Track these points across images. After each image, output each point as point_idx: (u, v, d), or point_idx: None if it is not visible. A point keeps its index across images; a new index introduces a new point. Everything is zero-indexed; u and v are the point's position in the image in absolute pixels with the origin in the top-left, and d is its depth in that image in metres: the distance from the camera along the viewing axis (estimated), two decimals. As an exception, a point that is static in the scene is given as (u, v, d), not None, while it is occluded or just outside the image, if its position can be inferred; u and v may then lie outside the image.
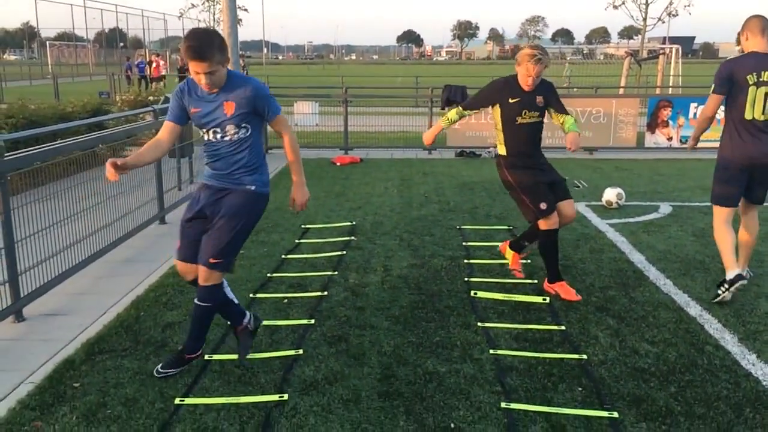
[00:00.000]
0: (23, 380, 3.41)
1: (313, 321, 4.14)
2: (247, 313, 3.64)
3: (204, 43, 3.02)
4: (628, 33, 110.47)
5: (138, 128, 6.58)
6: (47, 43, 49.38)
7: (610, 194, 7.20)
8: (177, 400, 3.19)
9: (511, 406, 3.15)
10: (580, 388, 3.34)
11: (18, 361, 3.64)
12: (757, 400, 3.24)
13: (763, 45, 4.37)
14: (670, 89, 17.52)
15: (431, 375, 3.47)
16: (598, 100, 11.52)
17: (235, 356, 3.64)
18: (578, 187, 8.39)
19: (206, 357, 3.64)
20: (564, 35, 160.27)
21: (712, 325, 4.13)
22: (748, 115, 4.41)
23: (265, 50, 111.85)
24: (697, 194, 7.93)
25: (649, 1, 23.38)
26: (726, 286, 4.46)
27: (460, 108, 4.71)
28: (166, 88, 22.49)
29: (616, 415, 3.08)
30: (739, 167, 4.49)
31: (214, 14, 29.88)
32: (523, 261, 5.30)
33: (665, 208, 7.22)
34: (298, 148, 3.44)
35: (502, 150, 4.63)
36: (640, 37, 25.18)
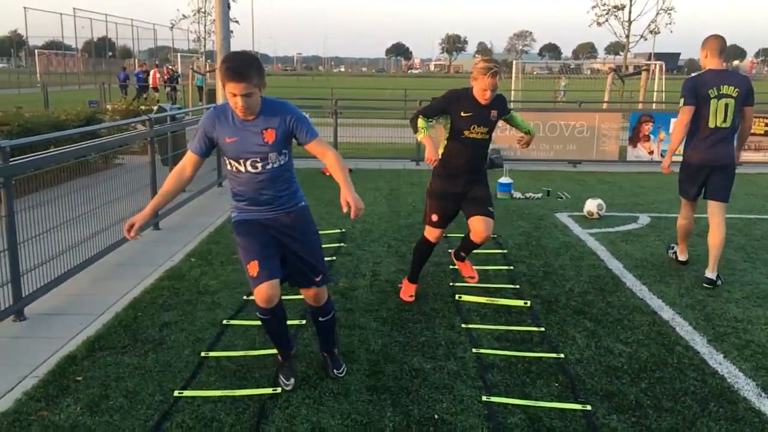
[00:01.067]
0: (27, 374, 3.57)
1: (304, 321, 4.32)
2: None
3: (243, 64, 2.96)
4: (614, 48, 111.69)
5: (133, 137, 6.76)
6: (36, 51, 49.30)
7: (591, 205, 7.45)
8: (176, 393, 3.36)
9: (491, 400, 3.36)
10: (556, 384, 3.55)
11: (21, 357, 3.80)
12: (721, 396, 3.46)
13: (719, 63, 5.12)
14: (654, 104, 17.92)
15: (417, 371, 3.67)
16: (581, 114, 11.83)
17: (231, 353, 3.82)
18: (561, 198, 8.65)
19: (202, 354, 3.81)
20: (551, 50, 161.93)
21: (683, 328, 4.36)
22: (711, 124, 5.07)
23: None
24: (675, 206, 8.15)
25: (632, 19, 23.89)
26: (675, 259, 5.67)
27: (422, 116, 4.45)
28: (160, 98, 22.62)
29: (589, 407, 3.30)
30: (698, 168, 5.20)
31: (205, 25, 30.05)
32: (505, 267, 5.53)
33: (644, 219, 7.48)
34: (344, 163, 3.29)
35: (439, 154, 4.50)
36: (625, 53, 25.58)
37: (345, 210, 3.19)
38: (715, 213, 5.23)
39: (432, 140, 4.32)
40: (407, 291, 4.84)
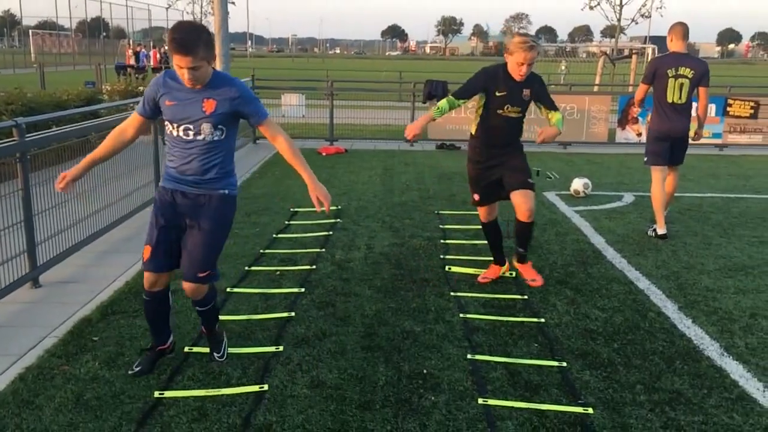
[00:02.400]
0: (47, 335, 3.86)
1: (303, 289, 4.61)
2: (171, 336, 3.59)
3: (190, 37, 2.88)
4: (610, 32, 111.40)
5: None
6: (30, 31, 49.08)
7: (578, 184, 7.75)
8: (186, 349, 3.65)
9: (476, 357, 3.66)
10: (536, 344, 3.86)
11: (40, 319, 4.08)
12: (687, 355, 3.77)
13: (682, 47, 5.95)
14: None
15: (408, 333, 3.97)
16: (571, 96, 12.08)
17: (235, 317, 4.11)
18: (550, 178, 8.94)
19: (209, 317, 4.10)
20: (547, 32, 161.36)
21: (657, 296, 4.67)
22: (669, 99, 5.93)
23: (249, 42, 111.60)
24: (659, 186, 8.50)
25: (623, 3, 24.03)
26: (654, 236, 6.07)
27: (451, 97, 4.45)
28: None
29: (564, 364, 3.60)
30: (663, 137, 6.04)
31: (201, 6, 30.06)
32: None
33: (628, 198, 7.78)
34: (296, 147, 3.28)
35: (473, 130, 4.60)
36: (615, 36, 25.78)
37: (318, 209, 3.31)
38: (671, 172, 6.28)
39: (426, 120, 4.35)
40: (489, 273, 4.91)
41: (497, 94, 4.37)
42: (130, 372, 3.37)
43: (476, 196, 4.72)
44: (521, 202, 4.44)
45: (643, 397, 3.29)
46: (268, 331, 3.96)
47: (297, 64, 56.05)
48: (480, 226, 5.06)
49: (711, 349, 3.86)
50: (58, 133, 4.73)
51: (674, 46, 5.96)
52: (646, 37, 52.84)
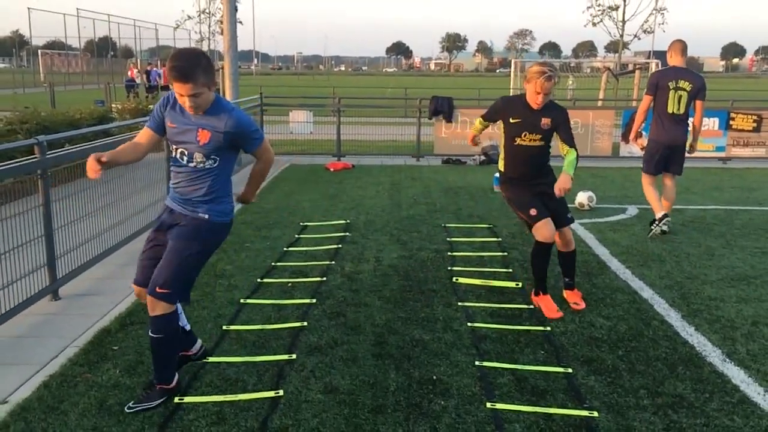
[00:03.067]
0: (68, 344, 3.99)
1: (314, 300, 4.73)
2: (198, 342, 3.67)
3: (189, 65, 2.91)
4: (614, 47, 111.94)
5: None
6: (39, 51, 49.74)
7: (582, 197, 7.87)
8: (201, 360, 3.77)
9: (483, 364, 3.77)
10: (542, 352, 3.97)
11: (60, 330, 4.21)
12: (689, 361, 3.88)
13: (681, 62, 6.44)
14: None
15: (417, 341, 4.08)
16: (576, 111, 12.23)
17: (249, 327, 4.23)
18: (555, 191, 9.06)
19: (224, 327, 4.23)
20: (551, 48, 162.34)
21: (660, 306, 4.77)
22: (669, 110, 6.38)
23: (255, 60, 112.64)
24: (663, 198, 8.61)
25: (626, 19, 24.30)
26: (656, 223, 6.51)
27: (480, 118, 4.84)
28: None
29: (570, 370, 3.71)
30: (662, 146, 6.51)
31: (209, 26, 30.49)
32: (500, 254, 5.94)
33: (632, 210, 7.90)
34: (264, 173, 3.43)
35: (501, 165, 4.69)
36: (619, 52, 26.02)
37: (236, 200, 3.43)
38: (667, 180, 6.69)
39: (478, 132, 4.92)
40: (547, 306, 4.59)
41: (512, 120, 4.47)
42: (127, 409, 3.22)
43: (533, 211, 4.48)
44: (565, 236, 4.64)
45: (647, 401, 3.40)
46: (282, 339, 4.08)
47: (303, 82, 56.54)
48: (486, 238, 5.19)
49: (713, 355, 3.96)
50: (77, 150, 4.89)
51: (674, 60, 6.46)
52: (650, 52, 53.13)
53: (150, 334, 3.20)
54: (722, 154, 12.06)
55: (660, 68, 7.06)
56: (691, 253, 6.06)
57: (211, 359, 3.78)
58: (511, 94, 4.72)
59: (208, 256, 3.31)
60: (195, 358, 3.64)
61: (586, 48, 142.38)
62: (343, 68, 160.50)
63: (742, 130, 12.02)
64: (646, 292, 5.04)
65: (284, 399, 3.35)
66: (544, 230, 4.47)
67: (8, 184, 4.42)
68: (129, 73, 30.46)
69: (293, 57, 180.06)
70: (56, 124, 9.46)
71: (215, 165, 3.17)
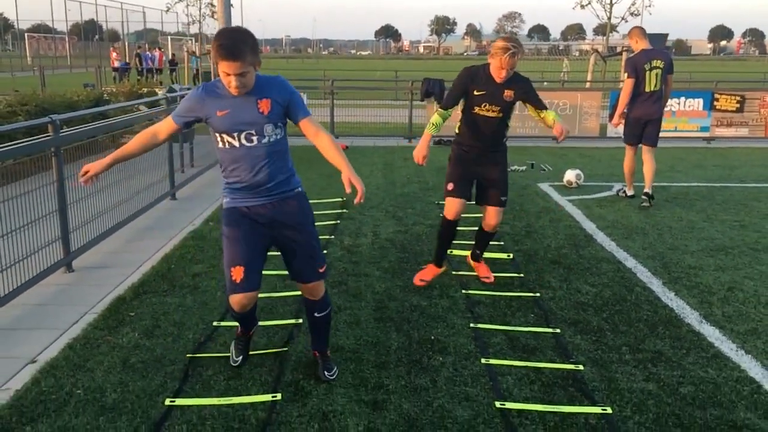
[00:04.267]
0: (87, 312, 4.23)
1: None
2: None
3: (237, 42, 2.79)
4: (602, 30, 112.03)
5: (153, 114, 7.37)
6: (26, 35, 49.29)
7: (570, 175, 8.15)
8: (215, 323, 4.03)
9: (478, 326, 4.05)
10: (532, 315, 4.25)
11: (77, 299, 4.45)
12: (668, 322, 4.17)
13: (646, 44, 7.16)
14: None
15: (415, 307, 4.35)
16: (564, 93, 12.50)
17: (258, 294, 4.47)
18: (544, 170, 9.34)
19: (233, 295, 4.47)
20: (540, 31, 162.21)
21: (643, 274, 5.07)
22: (647, 89, 7.05)
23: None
24: (648, 176, 8.91)
25: (613, 2, 24.54)
26: (622, 193, 7.61)
27: (441, 110, 4.55)
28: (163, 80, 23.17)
29: (558, 330, 4.00)
30: (638, 121, 7.18)
31: (200, 9, 30.44)
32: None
33: (618, 188, 8.17)
34: (337, 144, 3.19)
35: (457, 128, 4.65)
36: (606, 34, 26.29)
37: (349, 190, 3.14)
38: (646, 153, 7.26)
39: (428, 139, 4.46)
40: (425, 274, 4.79)
41: (475, 93, 4.41)
42: (234, 364, 3.45)
43: (450, 185, 4.56)
44: (492, 217, 4.64)
45: (629, 356, 3.69)
46: (288, 306, 4.34)
47: (292, 65, 56.38)
48: (478, 214, 5.41)
49: (691, 317, 4.26)
50: (88, 128, 5.09)
51: (641, 45, 7.15)
52: (638, 34, 53.24)
53: (317, 314, 3.33)
54: (706, 134, 12.38)
55: (631, 56, 7.41)
56: (673, 227, 6.36)
57: (223, 324, 4.04)
58: (473, 65, 4.58)
59: None
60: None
61: (575, 31, 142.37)
62: (332, 50, 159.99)
63: (726, 111, 12.33)
64: (630, 262, 5.33)
65: (294, 357, 3.61)
66: (450, 206, 4.58)
67: (24, 161, 4.62)
68: (111, 59, 30.50)
69: (281, 40, 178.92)
70: (54, 106, 9.59)
71: (282, 135, 3.07)
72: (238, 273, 3.05)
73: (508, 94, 4.39)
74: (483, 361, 3.59)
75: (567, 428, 2.98)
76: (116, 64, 30.60)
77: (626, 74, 7.30)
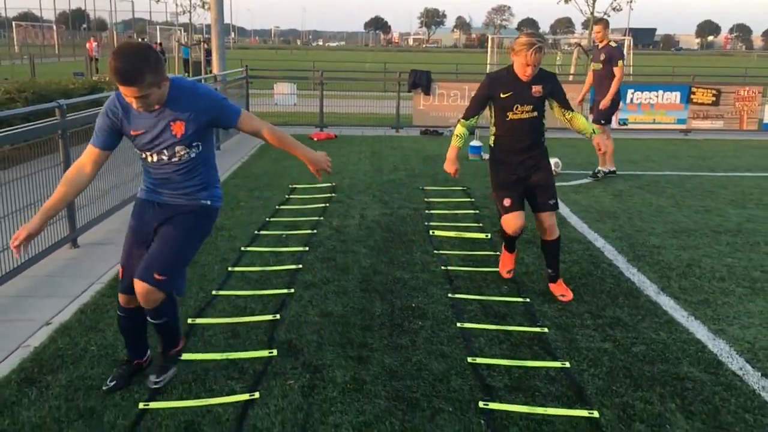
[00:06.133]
0: (94, 281, 4.57)
1: (307, 248, 5.35)
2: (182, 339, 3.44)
3: (133, 66, 2.61)
4: (589, 24, 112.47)
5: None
6: (13, 23, 49.06)
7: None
8: (213, 292, 4.38)
9: (455, 296, 4.43)
10: (505, 287, 4.65)
11: (84, 271, 4.79)
12: (629, 293, 4.57)
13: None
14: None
15: (398, 279, 4.73)
16: (547, 85, 12.86)
17: (251, 268, 4.83)
18: (525, 159, 9.74)
19: (229, 268, 4.82)
20: (529, 25, 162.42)
21: (610, 252, 5.47)
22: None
23: (233, 34, 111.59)
24: (624, 166, 9.31)
25: (596, -4, 25.02)
26: (604, 174, 8.42)
27: (463, 120, 4.45)
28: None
29: (528, 300, 4.39)
30: (616, 102, 8.38)
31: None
32: (472, 211, 6.59)
33: (598, 170, 8.59)
34: (281, 132, 3.07)
35: (491, 142, 4.49)
36: (590, 29, 26.73)
37: (320, 177, 3.20)
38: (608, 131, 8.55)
39: (456, 152, 4.41)
40: (506, 264, 4.80)
41: (502, 95, 4.22)
42: (104, 388, 3.13)
43: (507, 201, 4.37)
44: (546, 223, 4.42)
45: (590, 321, 4.09)
46: (281, 278, 4.70)
47: (281, 56, 56.47)
48: (460, 199, 5.81)
49: (650, 289, 4.66)
50: (92, 114, 5.41)
51: (612, 35, 8.30)
52: (626, 29, 53.80)
53: (151, 320, 3.10)
54: (683, 126, 12.83)
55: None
56: (642, 211, 6.77)
57: (221, 293, 4.39)
58: (492, 70, 4.51)
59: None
60: (145, 368, 3.34)
61: (564, 25, 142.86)
62: (321, 42, 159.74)
63: (702, 104, 12.78)
64: (599, 242, 5.73)
65: (287, 321, 3.98)
66: (512, 222, 4.39)
67: (33, 143, 4.93)
68: (88, 48, 30.65)
69: (270, 31, 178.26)
70: (51, 93, 9.88)
71: (200, 151, 2.97)
72: (120, 272, 3.15)
73: (536, 89, 4.21)
74: (458, 325, 3.98)
75: (529, 379, 3.37)
76: (93, 54, 30.69)
77: (620, 61, 8.16)
